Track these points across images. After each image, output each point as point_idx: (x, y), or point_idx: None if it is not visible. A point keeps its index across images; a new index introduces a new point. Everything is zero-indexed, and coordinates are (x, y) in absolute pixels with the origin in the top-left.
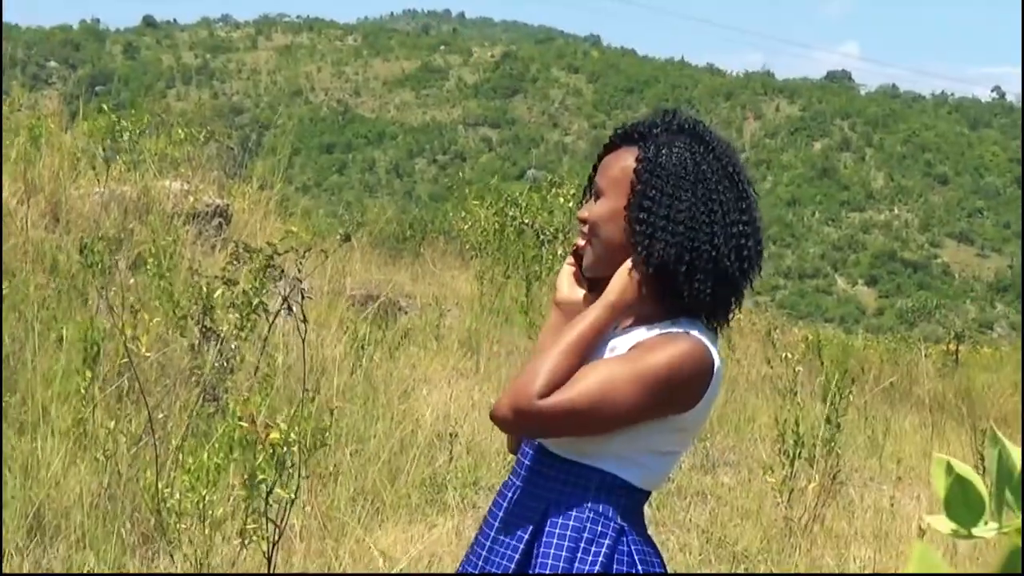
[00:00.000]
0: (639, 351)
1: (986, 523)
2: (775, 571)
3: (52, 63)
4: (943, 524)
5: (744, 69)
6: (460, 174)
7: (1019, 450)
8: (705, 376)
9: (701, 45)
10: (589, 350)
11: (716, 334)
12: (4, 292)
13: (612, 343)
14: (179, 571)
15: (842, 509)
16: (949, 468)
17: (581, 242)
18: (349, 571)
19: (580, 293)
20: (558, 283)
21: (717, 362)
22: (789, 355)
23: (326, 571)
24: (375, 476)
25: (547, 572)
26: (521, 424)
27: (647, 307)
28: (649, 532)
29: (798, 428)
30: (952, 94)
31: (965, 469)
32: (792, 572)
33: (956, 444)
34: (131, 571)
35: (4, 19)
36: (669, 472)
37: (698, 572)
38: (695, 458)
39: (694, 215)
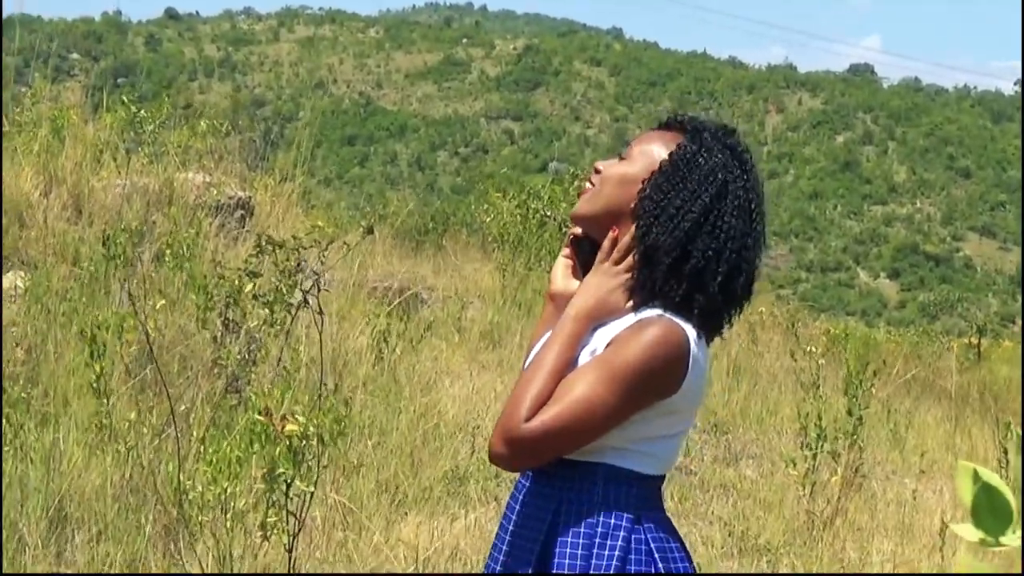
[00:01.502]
0: (613, 348)
1: (1014, 531)
2: (797, 564)
3: (74, 55)
4: (970, 533)
5: (767, 62)
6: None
7: None
8: (682, 357)
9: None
10: (568, 365)
11: (700, 319)
12: (27, 284)
13: (591, 345)
14: (200, 561)
15: (864, 502)
16: (976, 476)
17: (588, 186)
18: (371, 563)
19: (575, 285)
20: (552, 275)
21: (692, 340)
22: (812, 348)
23: (348, 563)
24: (397, 468)
25: (566, 572)
26: (515, 454)
27: (624, 299)
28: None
29: (821, 421)
30: (975, 87)
31: (991, 476)
32: (814, 573)
33: (979, 438)
34: (153, 562)
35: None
36: (677, 453)
37: (719, 572)
38: (717, 450)
39: (700, 221)
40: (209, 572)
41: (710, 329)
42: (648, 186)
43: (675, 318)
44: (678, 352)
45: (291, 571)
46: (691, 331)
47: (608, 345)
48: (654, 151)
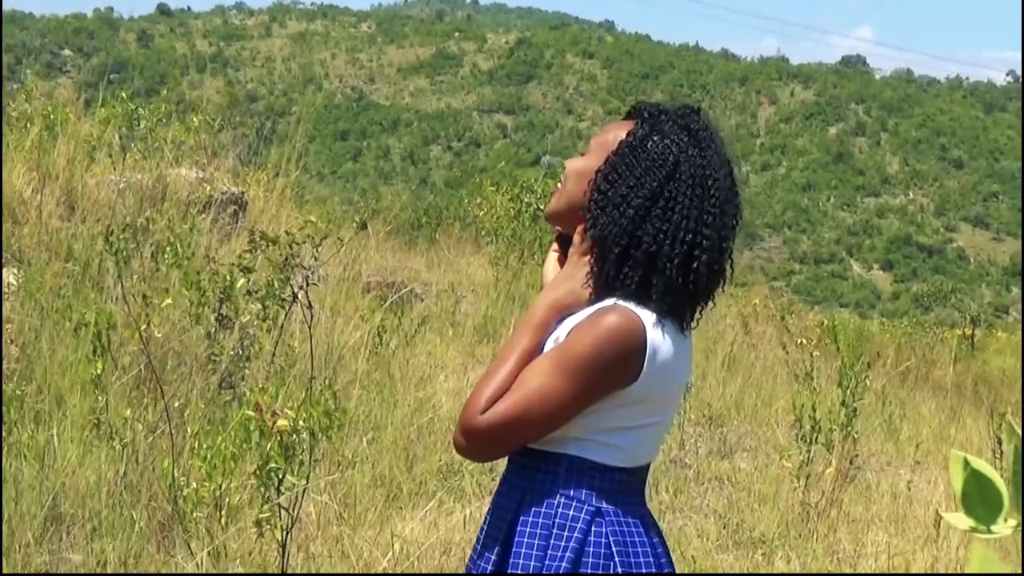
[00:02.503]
0: (567, 339)
1: (1005, 520)
2: (792, 556)
3: (66, 51)
4: (961, 521)
5: (759, 54)
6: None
7: None
8: (638, 347)
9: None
10: (531, 355)
11: (660, 304)
12: (20, 281)
13: (556, 333)
14: (195, 557)
15: (859, 494)
16: (966, 464)
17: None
18: (365, 558)
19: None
20: (544, 272)
21: (652, 329)
22: (805, 340)
23: (342, 557)
24: (392, 463)
25: (521, 561)
26: (473, 445)
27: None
28: (666, 518)
29: (815, 413)
30: (967, 78)
31: (982, 465)
32: (812, 574)
33: (973, 428)
34: (148, 558)
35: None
36: (649, 445)
37: (706, 573)
38: (712, 443)
39: (649, 206)
40: (204, 568)
41: (680, 313)
42: (598, 176)
43: (632, 306)
44: (632, 341)
45: (284, 566)
46: (649, 318)
47: (568, 334)
48: (609, 141)
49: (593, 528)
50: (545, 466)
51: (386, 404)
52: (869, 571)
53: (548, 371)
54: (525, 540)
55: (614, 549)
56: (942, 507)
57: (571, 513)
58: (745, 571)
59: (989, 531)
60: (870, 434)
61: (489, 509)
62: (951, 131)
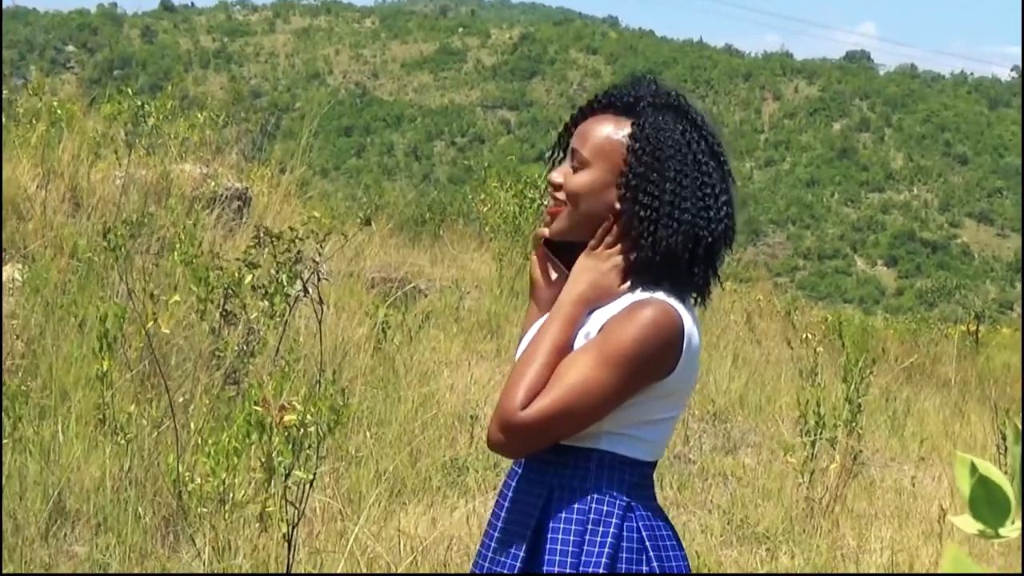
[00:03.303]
0: (607, 332)
1: (1013, 522)
2: (796, 551)
3: (70, 47)
4: (969, 524)
5: (763, 50)
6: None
7: None
8: (676, 339)
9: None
10: (565, 351)
11: (698, 293)
12: (25, 277)
13: (586, 328)
14: (200, 553)
15: (863, 489)
16: (973, 468)
17: (550, 204)
18: (369, 553)
19: (557, 281)
20: (534, 278)
21: (687, 321)
22: (810, 336)
23: (347, 553)
24: (396, 458)
25: (557, 558)
26: (513, 441)
27: (616, 281)
28: (671, 513)
29: (819, 409)
30: (971, 73)
31: (989, 468)
32: (812, 574)
33: (978, 424)
34: (152, 554)
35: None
36: (669, 438)
37: (716, 573)
38: (716, 439)
39: (695, 202)
40: (208, 563)
41: (704, 301)
42: (632, 196)
43: (667, 298)
44: (671, 333)
45: (290, 561)
46: (683, 310)
47: (601, 329)
48: (607, 147)
49: (626, 523)
50: (575, 461)
51: (390, 400)
52: (872, 566)
53: (591, 365)
54: (560, 537)
55: (647, 544)
56: (946, 503)
57: (604, 508)
58: (749, 566)
59: (997, 535)
60: (874, 430)
61: (503, 506)
62: (955, 127)
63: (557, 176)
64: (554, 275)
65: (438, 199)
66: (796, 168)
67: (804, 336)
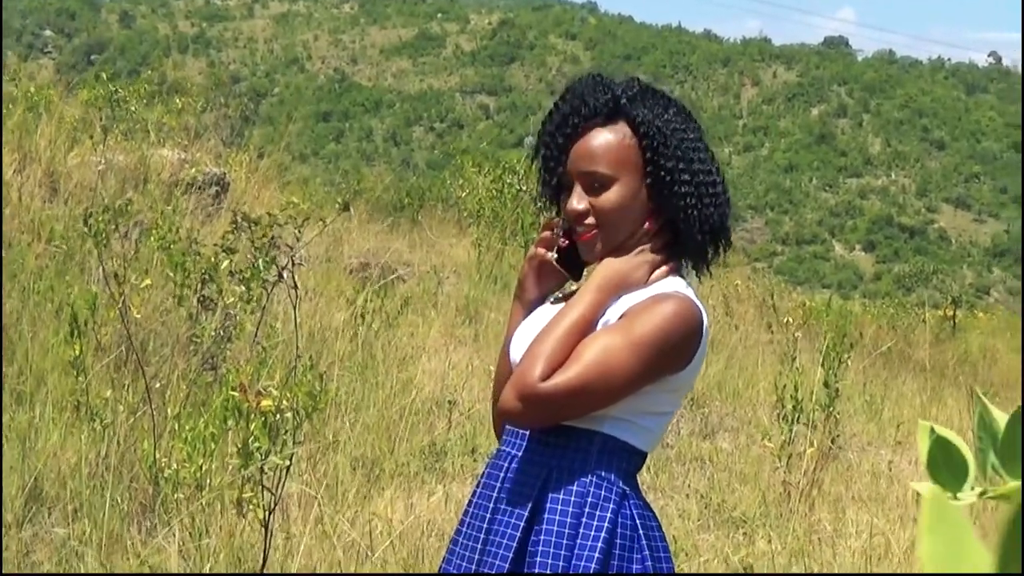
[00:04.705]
0: (630, 319)
1: (972, 488)
2: (773, 535)
3: (48, 32)
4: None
5: (741, 35)
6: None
7: (1002, 413)
8: (696, 334)
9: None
10: (586, 331)
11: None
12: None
13: (605, 316)
14: (176, 538)
15: (840, 474)
16: (932, 432)
17: (585, 233)
18: (346, 538)
19: (550, 287)
20: (525, 282)
21: (705, 319)
22: (788, 321)
23: (324, 538)
24: (374, 444)
25: (553, 539)
26: (529, 411)
27: (645, 276)
28: (648, 498)
29: (797, 393)
30: (949, 59)
31: (947, 432)
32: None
33: (954, 408)
34: (129, 540)
35: None
36: (665, 433)
37: (703, 573)
38: (694, 424)
39: (714, 178)
40: (184, 549)
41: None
42: (670, 183)
43: (689, 294)
44: (692, 327)
45: (267, 547)
46: (704, 310)
47: (624, 315)
48: (622, 156)
49: (621, 511)
50: (576, 444)
51: (368, 385)
52: (849, 550)
53: (615, 346)
54: (557, 517)
55: (640, 532)
56: (915, 482)
57: (602, 493)
58: (726, 551)
59: (955, 498)
60: (852, 414)
61: (495, 487)
62: (933, 112)
63: (580, 204)
64: (548, 286)
65: (417, 185)
66: (774, 153)
67: (782, 321)
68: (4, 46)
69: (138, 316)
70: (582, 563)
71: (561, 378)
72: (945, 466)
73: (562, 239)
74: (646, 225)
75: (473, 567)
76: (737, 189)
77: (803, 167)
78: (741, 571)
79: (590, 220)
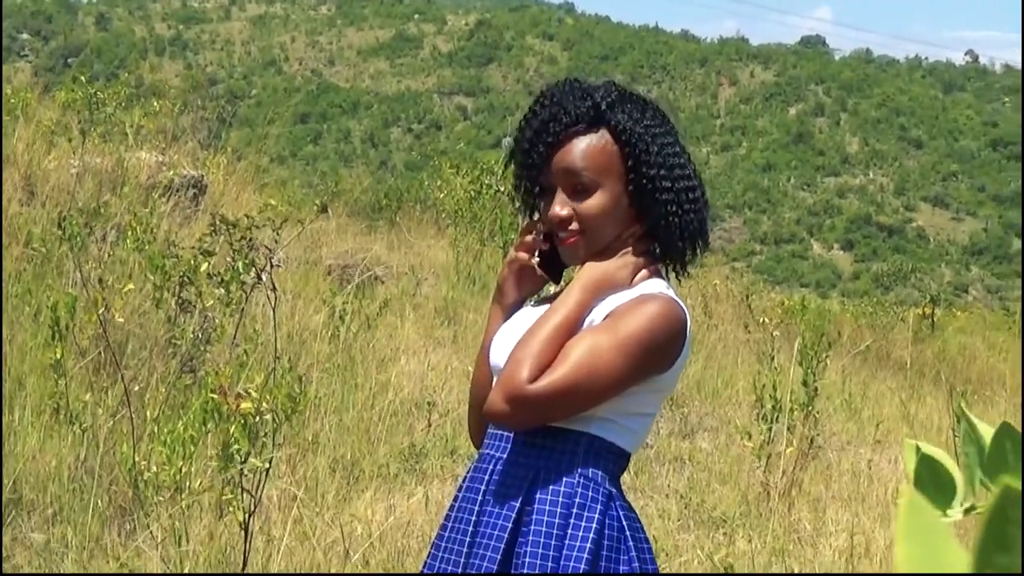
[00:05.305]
0: (616, 319)
1: (961, 504)
2: (753, 535)
3: (24, 35)
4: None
5: (718, 35)
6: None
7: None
8: (681, 334)
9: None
10: (572, 332)
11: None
12: None
13: (589, 317)
14: (156, 541)
15: (820, 473)
16: (918, 450)
17: (568, 238)
18: (326, 540)
19: (528, 291)
20: (504, 286)
21: (689, 320)
22: (766, 320)
23: (304, 540)
24: (354, 445)
25: (542, 540)
26: (517, 413)
27: (630, 277)
28: (628, 498)
29: (776, 393)
30: (926, 58)
31: (933, 450)
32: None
33: (934, 407)
34: (109, 544)
35: None
36: (648, 434)
37: (690, 574)
38: (673, 424)
39: (693, 183)
40: (165, 551)
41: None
42: (651, 186)
43: (673, 295)
44: (677, 327)
45: (247, 550)
46: (687, 311)
47: (607, 316)
48: (605, 162)
49: (608, 511)
50: (562, 445)
51: (347, 387)
52: (829, 549)
53: (603, 347)
54: (545, 519)
55: (627, 533)
56: (902, 485)
57: (590, 494)
58: (706, 550)
59: (945, 515)
60: (831, 413)
61: (480, 490)
62: (910, 111)
63: (563, 210)
64: (526, 290)
65: (395, 186)
66: (752, 153)
67: (761, 320)
68: None
69: (121, 320)
70: (571, 564)
71: (549, 379)
72: (931, 483)
73: (543, 243)
74: (633, 228)
75: (460, 569)
76: (715, 189)
77: (781, 166)
78: (722, 571)
79: (574, 226)
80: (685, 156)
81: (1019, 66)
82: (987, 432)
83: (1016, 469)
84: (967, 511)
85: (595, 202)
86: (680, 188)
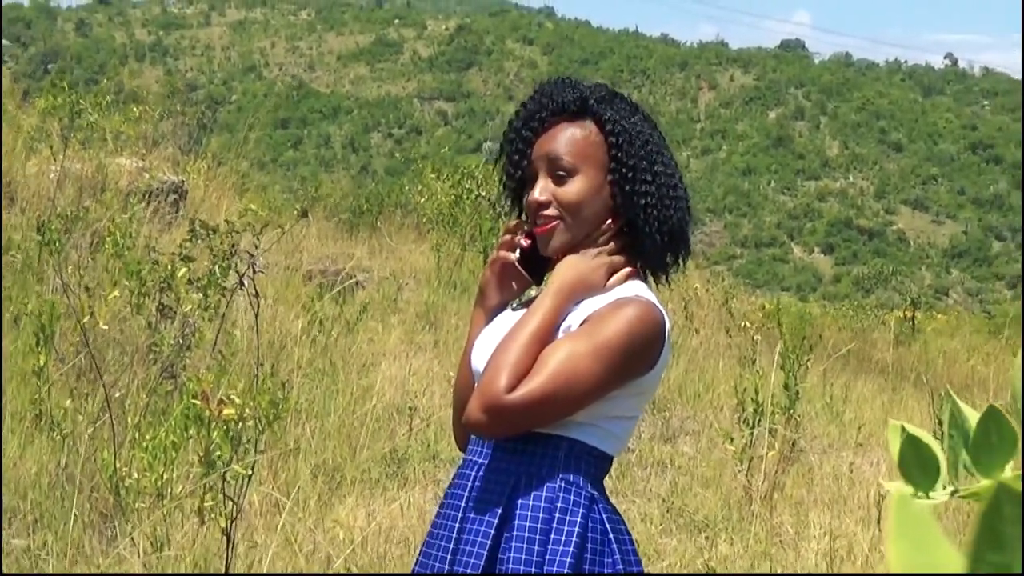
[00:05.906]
0: (593, 324)
1: (944, 487)
2: (735, 539)
3: (4, 41)
4: (901, 489)
5: (698, 39)
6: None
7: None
8: (660, 337)
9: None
10: (548, 338)
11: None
12: None
13: (566, 322)
14: (140, 551)
15: (802, 476)
16: (903, 431)
17: (545, 224)
18: (308, 545)
19: (510, 292)
20: (485, 289)
21: (667, 322)
22: (747, 324)
23: (286, 546)
24: (335, 451)
25: (524, 545)
26: (495, 423)
27: (604, 279)
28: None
29: (757, 396)
30: (905, 62)
31: (918, 431)
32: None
33: (915, 409)
34: (90, 550)
35: None
36: (630, 437)
37: (677, 573)
38: (655, 428)
39: (675, 181)
40: (146, 559)
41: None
42: (631, 182)
43: (651, 297)
44: (655, 330)
45: (230, 556)
46: (665, 314)
47: (584, 322)
48: (588, 151)
49: (591, 515)
50: (543, 450)
51: (328, 392)
52: (811, 552)
53: (580, 353)
54: (527, 524)
55: (611, 536)
56: (882, 480)
57: (571, 498)
58: (688, 554)
59: (928, 497)
60: (812, 417)
61: (463, 496)
62: (890, 114)
63: (542, 195)
64: (508, 292)
65: (375, 191)
66: (732, 157)
67: (742, 324)
68: None
69: (105, 327)
70: (555, 568)
71: (527, 388)
72: (916, 465)
73: (524, 240)
74: (608, 222)
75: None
76: (695, 192)
77: (761, 170)
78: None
79: (551, 211)
80: (670, 158)
81: (997, 69)
82: (972, 416)
83: (1001, 452)
84: (951, 494)
85: (574, 187)
86: (662, 183)
